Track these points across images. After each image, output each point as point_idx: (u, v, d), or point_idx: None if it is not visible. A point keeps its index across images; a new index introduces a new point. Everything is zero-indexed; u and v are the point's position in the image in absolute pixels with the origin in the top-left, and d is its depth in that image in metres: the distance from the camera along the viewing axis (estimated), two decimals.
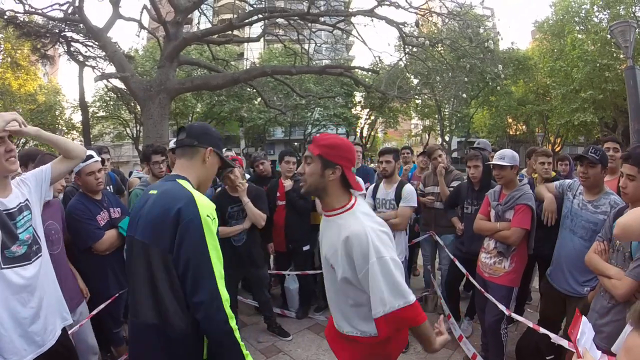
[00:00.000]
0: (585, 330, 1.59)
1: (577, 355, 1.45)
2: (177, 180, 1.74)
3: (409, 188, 3.93)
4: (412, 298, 1.72)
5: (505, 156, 3.29)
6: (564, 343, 2.43)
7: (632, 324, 0.89)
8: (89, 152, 3.13)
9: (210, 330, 1.60)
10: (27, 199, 2.06)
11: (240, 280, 4.29)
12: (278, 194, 4.55)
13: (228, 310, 1.60)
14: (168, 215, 1.60)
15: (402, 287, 1.69)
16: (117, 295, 3.15)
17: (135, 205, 1.88)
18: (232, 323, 1.60)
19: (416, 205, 4.02)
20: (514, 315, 3.06)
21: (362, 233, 1.69)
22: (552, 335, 2.55)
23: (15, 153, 1.93)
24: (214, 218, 1.67)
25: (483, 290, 3.35)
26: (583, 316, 1.58)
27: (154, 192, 1.75)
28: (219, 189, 4.68)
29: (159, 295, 1.61)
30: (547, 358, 3.03)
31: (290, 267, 4.75)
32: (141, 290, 1.66)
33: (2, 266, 1.85)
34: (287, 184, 4.46)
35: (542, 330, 2.66)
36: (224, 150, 2.24)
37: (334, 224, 1.85)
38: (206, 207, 1.65)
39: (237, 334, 1.61)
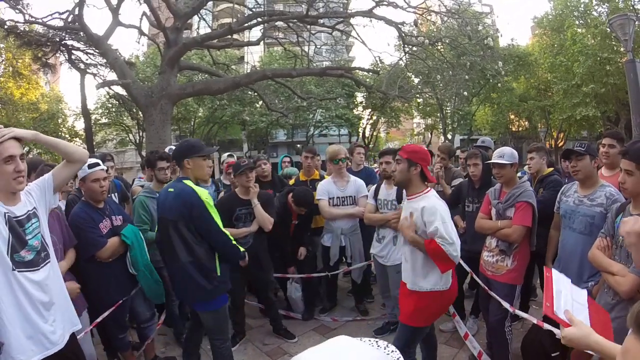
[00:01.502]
0: (560, 287, 1.57)
1: (564, 325, 1.46)
2: (184, 181, 2.87)
3: None
4: (459, 257, 2.67)
5: (504, 154, 3.29)
6: None
7: (629, 326, 0.89)
8: (95, 160, 3.16)
9: (226, 254, 3.00)
10: (34, 207, 2.11)
11: (247, 283, 4.30)
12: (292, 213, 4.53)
13: (230, 238, 2.95)
14: (186, 202, 2.79)
15: (455, 244, 2.60)
16: (120, 302, 3.17)
17: (160, 198, 3.05)
18: (233, 241, 2.98)
19: None
20: (518, 312, 3.06)
21: (433, 206, 2.70)
22: (556, 331, 2.56)
23: (24, 173, 1.98)
24: (207, 197, 2.83)
25: (487, 288, 3.36)
26: (552, 269, 1.58)
27: (172, 190, 2.88)
28: (222, 191, 4.72)
29: (189, 245, 2.82)
30: (552, 355, 3.03)
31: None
32: (178, 246, 2.82)
33: (14, 269, 1.91)
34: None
35: (547, 326, 2.67)
36: (225, 155, 3.48)
37: (415, 203, 2.79)
38: (203, 193, 2.83)
39: (234, 243, 2.99)
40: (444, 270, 2.70)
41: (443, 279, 2.75)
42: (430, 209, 2.67)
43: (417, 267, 2.81)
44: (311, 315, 4.70)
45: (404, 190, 2.96)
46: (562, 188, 3.25)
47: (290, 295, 4.66)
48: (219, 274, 2.91)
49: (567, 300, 1.61)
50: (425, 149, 3.03)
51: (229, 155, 5.77)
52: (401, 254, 3.47)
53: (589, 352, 2.22)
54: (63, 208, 3.53)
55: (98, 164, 3.10)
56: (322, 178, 4.94)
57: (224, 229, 2.90)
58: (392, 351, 0.77)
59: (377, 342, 0.79)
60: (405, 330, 2.86)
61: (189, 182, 2.85)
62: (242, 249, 3.06)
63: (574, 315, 1.51)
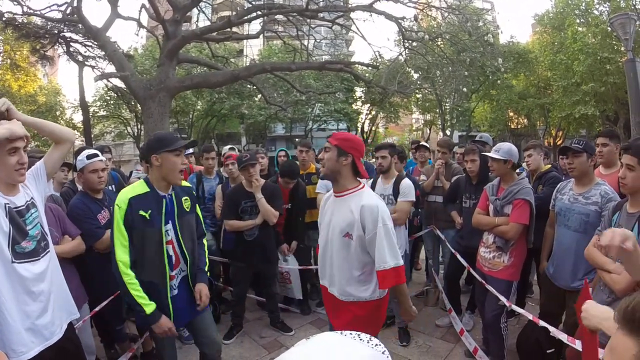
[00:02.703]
0: None
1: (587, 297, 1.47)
2: (141, 181, 2.49)
3: (406, 183, 3.94)
4: (402, 262, 2.29)
5: (500, 149, 3.30)
6: (564, 337, 2.44)
7: (617, 322, 0.88)
8: (94, 151, 3.16)
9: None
10: (32, 197, 2.11)
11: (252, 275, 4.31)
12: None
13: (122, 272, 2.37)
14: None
15: (396, 250, 2.27)
16: (117, 293, 3.17)
17: None
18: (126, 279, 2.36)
19: (414, 199, 4.03)
20: (514, 307, 3.08)
21: (374, 205, 2.26)
22: (551, 328, 2.57)
23: (26, 166, 1.98)
24: (120, 206, 2.33)
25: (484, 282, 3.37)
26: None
27: None
28: (219, 184, 4.72)
29: None
30: (547, 352, 3.05)
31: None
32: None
33: (13, 261, 1.91)
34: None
35: (542, 323, 2.68)
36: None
37: (345, 202, 2.37)
38: (122, 196, 2.37)
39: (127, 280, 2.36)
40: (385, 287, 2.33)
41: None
42: (370, 208, 2.25)
43: (353, 275, 2.38)
44: (309, 308, 4.72)
45: (332, 185, 2.48)
46: (558, 186, 3.26)
47: (287, 268, 4.58)
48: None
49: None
50: (360, 139, 2.59)
51: (230, 149, 5.76)
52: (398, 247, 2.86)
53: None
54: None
55: (97, 155, 3.11)
56: (318, 171, 4.95)
57: (121, 254, 2.37)
58: (376, 344, 0.76)
59: (359, 335, 0.78)
60: None
61: (137, 184, 2.46)
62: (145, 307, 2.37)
63: None
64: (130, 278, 2.32)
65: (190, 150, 5.54)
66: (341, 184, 2.39)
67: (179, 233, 2.51)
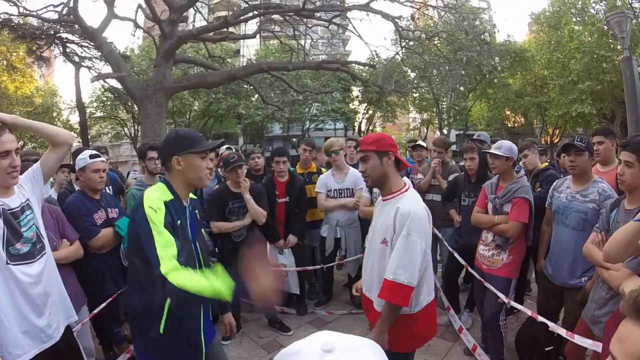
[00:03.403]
0: None
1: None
2: (159, 182, 2.04)
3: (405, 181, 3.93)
4: (415, 283, 2.05)
5: (502, 146, 3.30)
6: (562, 332, 2.45)
7: (624, 313, 0.89)
8: (94, 151, 3.16)
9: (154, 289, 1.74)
10: (27, 199, 2.09)
11: None
12: (277, 192, 4.55)
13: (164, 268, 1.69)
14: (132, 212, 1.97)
15: (413, 268, 2.03)
16: (115, 295, 3.16)
17: None
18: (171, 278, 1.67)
19: None
20: (513, 303, 3.08)
21: (407, 211, 2.08)
22: (550, 323, 2.58)
23: (18, 168, 1.97)
24: (158, 209, 1.83)
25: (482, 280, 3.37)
26: None
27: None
28: (218, 185, 4.70)
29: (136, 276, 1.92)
30: (546, 349, 3.05)
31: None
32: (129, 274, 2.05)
33: (8, 262, 1.90)
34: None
35: (541, 318, 2.69)
36: (223, 147, 2.44)
37: (389, 205, 2.22)
38: (152, 199, 1.86)
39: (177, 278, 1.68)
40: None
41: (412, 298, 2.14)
42: (402, 214, 2.09)
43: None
44: (305, 309, 4.71)
45: (379, 191, 2.34)
46: (554, 184, 3.27)
47: (283, 262, 4.49)
48: (161, 331, 1.86)
49: None
50: (387, 134, 2.50)
51: (227, 148, 5.75)
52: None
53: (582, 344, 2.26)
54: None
55: (99, 155, 3.11)
56: (319, 171, 4.95)
57: (161, 257, 1.71)
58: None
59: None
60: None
61: (157, 187, 2.00)
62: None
63: None
64: (178, 270, 1.71)
65: None
66: (387, 187, 2.26)
67: (199, 249, 2.12)
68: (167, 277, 1.66)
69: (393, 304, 2.06)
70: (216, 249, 4.52)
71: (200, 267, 2.05)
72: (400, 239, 2.06)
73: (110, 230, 3.14)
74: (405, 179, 2.33)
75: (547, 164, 4.28)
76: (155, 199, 1.88)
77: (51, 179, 4.18)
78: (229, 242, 3.99)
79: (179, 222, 1.93)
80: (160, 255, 1.71)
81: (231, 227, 3.92)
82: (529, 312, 2.91)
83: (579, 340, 2.29)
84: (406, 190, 2.25)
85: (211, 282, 1.71)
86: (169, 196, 1.96)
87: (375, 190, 4.07)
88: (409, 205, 2.12)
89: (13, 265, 1.92)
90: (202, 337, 2.06)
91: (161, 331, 1.86)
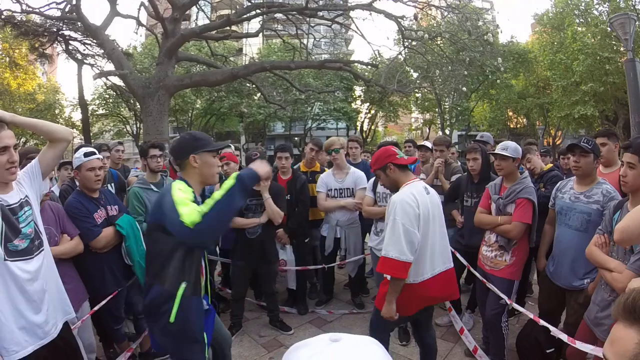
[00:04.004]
0: None
1: None
2: (177, 180, 2.20)
3: None
4: (404, 258, 2.44)
5: (508, 147, 3.28)
6: (564, 337, 2.43)
7: (615, 316, 0.91)
8: (91, 149, 3.15)
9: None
10: (26, 195, 2.09)
11: (251, 274, 4.28)
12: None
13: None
14: (160, 202, 2.10)
15: (401, 245, 2.45)
16: (116, 292, 3.16)
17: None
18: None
19: None
20: (515, 305, 3.07)
21: (395, 200, 2.57)
22: (552, 328, 2.56)
23: (16, 164, 1.97)
24: (184, 192, 2.04)
25: (485, 280, 3.36)
26: None
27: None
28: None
29: (158, 263, 2.12)
30: (547, 351, 3.04)
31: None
32: (150, 261, 2.22)
33: (6, 258, 1.89)
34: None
35: (542, 322, 2.67)
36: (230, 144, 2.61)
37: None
38: (179, 190, 2.04)
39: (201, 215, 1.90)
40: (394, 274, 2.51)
41: (412, 271, 2.54)
42: (392, 202, 2.56)
43: None
44: (306, 309, 4.70)
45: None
46: (558, 184, 3.25)
47: (283, 258, 4.49)
48: (172, 320, 2.05)
49: None
50: (382, 149, 2.81)
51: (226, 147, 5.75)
52: None
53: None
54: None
55: (94, 153, 3.09)
56: (322, 171, 4.94)
57: (183, 217, 1.89)
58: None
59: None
60: (375, 313, 2.82)
61: (178, 183, 2.15)
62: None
63: None
64: (200, 211, 1.90)
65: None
66: (393, 186, 2.75)
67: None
68: (197, 222, 1.86)
69: (393, 277, 2.51)
70: (219, 245, 4.53)
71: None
72: (389, 222, 2.55)
73: (111, 229, 3.13)
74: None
75: (551, 165, 4.26)
76: (185, 187, 2.10)
77: (55, 175, 4.19)
78: (242, 238, 3.98)
79: None
80: (182, 217, 1.88)
81: (246, 224, 3.91)
82: (531, 315, 2.89)
83: (580, 345, 2.27)
84: (408, 184, 2.66)
85: (218, 192, 1.96)
86: (191, 189, 2.16)
87: (379, 190, 4.08)
88: (398, 195, 2.60)
89: (11, 261, 1.91)
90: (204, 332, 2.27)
91: (172, 320, 2.05)
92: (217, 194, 1.94)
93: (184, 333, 2.14)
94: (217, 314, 2.62)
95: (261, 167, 2.11)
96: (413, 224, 2.49)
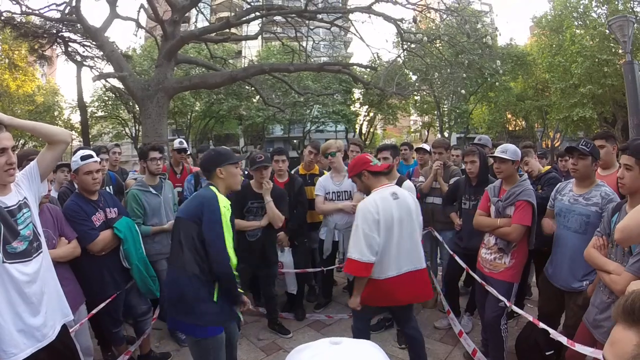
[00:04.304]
0: None
1: None
2: (210, 186, 2.63)
3: (408, 184, 3.92)
4: (365, 259, 2.76)
5: (507, 150, 3.28)
6: (563, 339, 2.43)
7: (615, 318, 0.92)
8: (88, 152, 3.14)
9: (219, 276, 2.52)
10: (25, 197, 2.09)
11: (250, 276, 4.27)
12: None
13: (231, 263, 2.49)
14: (202, 203, 2.53)
15: (361, 247, 2.77)
16: (114, 295, 3.15)
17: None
18: (233, 270, 2.53)
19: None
20: (514, 308, 3.07)
21: (359, 208, 2.89)
22: (551, 330, 2.56)
23: (15, 166, 1.97)
24: (226, 206, 2.54)
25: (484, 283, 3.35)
26: None
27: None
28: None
29: (197, 255, 2.49)
30: (546, 354, 3.04)
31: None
32: (186, 253, 2.49)
33: (4, 261, 1.89)
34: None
35: (542, 325, 2.67)
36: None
37: None
38: (224, 201, 2.56)
39: (234, 272, 2.54)
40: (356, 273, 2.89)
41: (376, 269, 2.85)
42: (358, 209, 2.91)
43: None
44: (303, 313, 4.68)
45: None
46: (557, 186, 3.25)
47: (282, 260, 4.50)
48: (215, 300, 2.53)
49: None
50: (356, 158, 3.24)
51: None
52: None
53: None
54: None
55: (91, 156, 3.08)
56: (321, 173, 4.94)
57: (229, 249, 2.48)
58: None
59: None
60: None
61: (214, 188, 2.61)
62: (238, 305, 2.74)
63: None
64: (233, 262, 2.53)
65: (188, 151, 5.53)
66: (366, 190, 3.05)
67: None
68: (234, 267, 2.50)
69: (355, 276, 2.89)
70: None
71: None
72: (353, 227, 2.89)
73: (109, 232, 3.12)
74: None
75: (549, 167, 4.26)
76: (225, 202, 2.56)
77: (52, 177, 4.17)
78: (242, 241, 3.97)
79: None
80: (229, 249, 2.47)
81: (247, 226, 3.91)
82: (530, 318, 2.89)
83: (579, 348, 2.27)
84: (376, 190, 2.95)
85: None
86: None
87: None
88: (362, 203, 2.91)
89: (9, 263, 1.91)
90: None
91: (215, 299, 2.52)
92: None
93: (225, 308, 2.62)
94: None
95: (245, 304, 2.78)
96: (372, 229, 2.79)
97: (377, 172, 2.98)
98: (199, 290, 2.47)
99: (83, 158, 3.02)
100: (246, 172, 4.82)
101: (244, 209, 3.95)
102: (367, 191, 3.02)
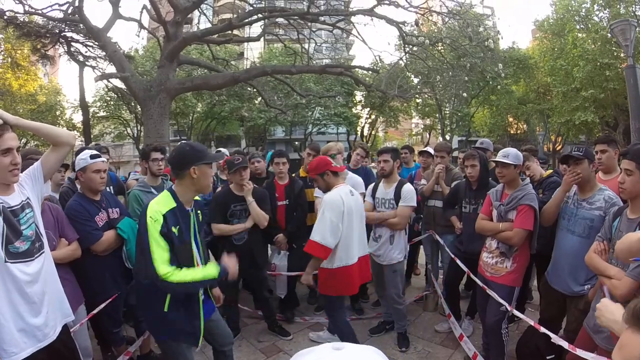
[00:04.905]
0: None
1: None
2: (165, 192, 2.46)
3: (408, 187, 3.92)
4: (324, 242, 3.16)
5: (509, 154, 3.27)
6: (564, 344, 2.43)
7: (626, 322, 0.95)
8: (95, 151, 3.15)
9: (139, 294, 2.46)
10: (28, 197, 2.09)
11: (241, 279, 4.26)
12: (277, 195, 4.53)
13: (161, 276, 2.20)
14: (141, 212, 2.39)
15: (325, 232, 3.16)
16: (115, 296, 3.15)
17: None
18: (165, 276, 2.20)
19: (415, 205, 4.01)
20: (515, 312, 3.06)
21: (326, 198, 3.28)
22: (552, 335, 2.56)
23: (19, 166, 1.98)
24: (156, 219, 2.25)
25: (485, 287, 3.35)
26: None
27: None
28: (217, 187, 4.67)
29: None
30: (547, 358, 3.03)
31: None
32: (139, 261, 2.37)
33: (7, 260, 1.89)
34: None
35: (543, 329, 2.67)
36: (220, 149, 2.90)
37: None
38: (154, 209, 2.28)
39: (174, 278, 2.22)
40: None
41: (344, 256, 3.29)
42: (324, 199, 3.32)
43: None
44: (292, 315, 4.65)
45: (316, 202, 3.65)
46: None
47: (276, 262, 4.53)
48: (165, 309, 2.33)
49: None
50: (318, 158, 3.59)
51: (217, 151, 5.77)
52: (397, 253, 3.94)
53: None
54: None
55: (99, 156, 3.09)
56: None
57: (158, 261, 2.22)
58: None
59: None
60: (324, 298, 3.63)
61: (163, 195, 2.43)
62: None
63: None
64: (173, 273, 2.22)
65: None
66: (326, 188, 3.40)
67: (199, 243, 2.54)
68: (165, 279, 2.19)
69: (313, 255, 3.25)
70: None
71: (200, 254, 2.52)
72: (319, 214, 3.23)
73: (113, 233, 3.12)
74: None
75: (551, 171, 4.26)
76: (155, 210, 2.28)
77: None
78: (229, 245, 3.95)
79: (177, 227, 2.32)
80: (156, 262, 2.19)
81: (232, 230, 3.88)
82: (531, 322, 2.89)
83: (581, 353, 2.27)
84: (336, 187, 3.35)
85: (201, 270, 2.36)
86: (172, 204, 2.36)
87: (378, 195, 4.08)
88: (329, 195, 3.30)
89: (11, 263, 1.91)
90: (201, 308, 2.50)
91: (166, 309, 2.32)
92: (199, 275, 2.32)
93: (179, 316, 2.38)
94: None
95: (231, 263, 2.47)
96: (338, 218, 3.19)
97: (337, 172, 3.41)
98: (149, 298, 2.39)
99: (92, 157, 3.03)
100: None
101: (227, 214, 3.92)
102: (327, 188, 3.38)
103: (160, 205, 2.32)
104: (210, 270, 2.38)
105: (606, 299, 1.50)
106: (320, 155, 4.93)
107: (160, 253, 2.22)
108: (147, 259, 2.21)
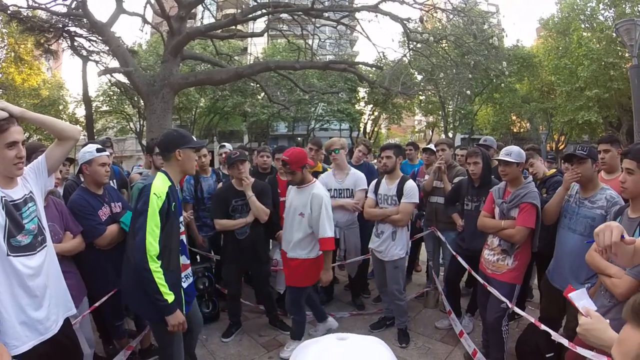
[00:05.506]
0: (580, 302, 1.62)
1: (582, 313, 1.51)
2: (159, 172, 2.64)
3: (410, 184, 3.92)
4: (332, 234, 3.49)
5: (512, 152, 3.28)
6: (564, 342, 2.43)
7: (625, 318, 0.96)
8: (99, 145, 3.17)
9: (138, 273, 2.41)
10: (30, 191, 2.10)
11: (244, 274, 4.28)
12: (279, 190, 4.54)
13: (150, 260, 2.36)
14: (139, 194, 2.54)
15: (330, 225, 3.47)
16: (117, 289, 3.17)
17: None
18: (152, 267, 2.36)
19: (418, 201, 4.02)
20: (516, 309, 3.07)
21: (320, 195, 3.48)
22: (552, 332, 2.56)
23: (24, 160, 1.98)
24: (160, 192, 2.44)
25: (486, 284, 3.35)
26: (569, 294, 1.63)
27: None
28: (222, 182, 4.68)
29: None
30: (546, 356, 3.04)
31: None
32: (131, 246, 2.49)
33: (9, 254, 1.90)
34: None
35: (543, 327, 2.67)
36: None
37: (305, 191, 3.58)
38: (159, 187, 2.47)
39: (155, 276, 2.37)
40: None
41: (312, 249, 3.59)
42: (318, 197, 3.46)
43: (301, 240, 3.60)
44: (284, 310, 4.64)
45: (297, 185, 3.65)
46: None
47: (274, 257, 4.55)
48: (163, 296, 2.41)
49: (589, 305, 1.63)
50: (297, 152, 3.59)
51: (221, 146, 5.79)
52: (399, 249, 3.96)
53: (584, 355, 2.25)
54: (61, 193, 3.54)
55: (104, 149, 3.12)
56: (324, 171, 4.94)
57: (151, 240, 2.37)
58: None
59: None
60: (290, 290, 3.77)
61: (160, 175, 2.59)
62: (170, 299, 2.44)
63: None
64: (157, 267, 2.38)
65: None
66: (301, 181, 3.58)
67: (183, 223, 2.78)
68: (147, 258, 2.35)
69: (330, 250, 3.51)
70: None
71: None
72: (322, 210, 3.42)
73: (116, 227, 3.14)
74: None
75: (554, 170, 4.26)
76: (160, 187, 2.47)
77: None
78: (232, 240, 3.98)
79: (173, 204, 2.52)
80: (148, 243, 2.35)
81: (234, 225, 3.90)
82: (532, 319, 2.90)
83: (581, 350, 2.27)
84: (314, 183, 3.62)
85: (170, 292, 2.42)
86: (169, 182, 2.57)
87: (381, 192, 4.08)
88: (320, 191, 3.54)
89: (13, 256, 1.92)
90: (183, 294, 2.65)
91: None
92: (166, 290, 2.41)
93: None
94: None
95: (180, 319, 2.51)
96: (331, 210, 3.58)
97: (312, 166, 3.77)
98: (139, 280, 2.44)
99: (99, 150, 3.06)
100: None
101: (229, 209, 3.95)
102: (302, 182, 3.57)
103: (163, 183, 2.52)
104: (170, 296, 2.43)
105: (583, 318, 1.48)
106: (323, 150, 4.95)
107: (152, 238, 2.37)
108: (139, 238, 2.37)
